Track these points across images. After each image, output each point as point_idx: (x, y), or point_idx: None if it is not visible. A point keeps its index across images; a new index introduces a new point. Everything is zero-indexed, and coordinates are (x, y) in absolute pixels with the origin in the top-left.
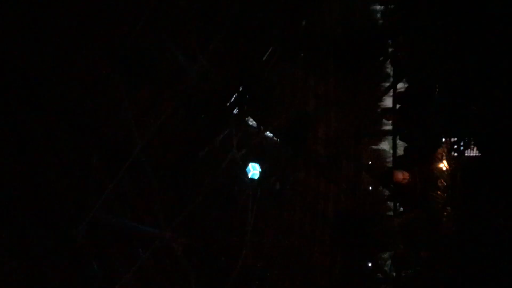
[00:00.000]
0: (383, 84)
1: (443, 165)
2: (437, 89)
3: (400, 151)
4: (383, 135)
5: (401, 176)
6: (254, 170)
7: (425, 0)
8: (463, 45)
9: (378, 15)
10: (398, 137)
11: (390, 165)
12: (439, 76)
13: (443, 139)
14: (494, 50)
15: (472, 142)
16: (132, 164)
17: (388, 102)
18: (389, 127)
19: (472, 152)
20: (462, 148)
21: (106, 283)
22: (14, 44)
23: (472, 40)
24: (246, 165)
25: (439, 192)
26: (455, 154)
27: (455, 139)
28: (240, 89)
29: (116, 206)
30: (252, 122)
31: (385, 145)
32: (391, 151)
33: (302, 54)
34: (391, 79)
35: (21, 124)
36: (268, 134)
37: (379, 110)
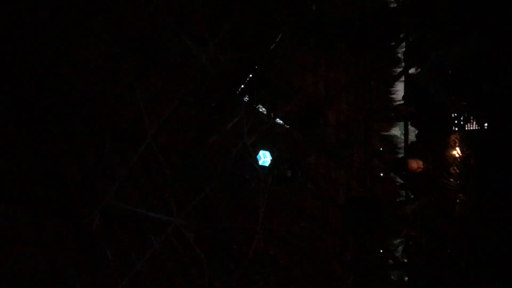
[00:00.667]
0: (394, 69)
1: (456, 152)
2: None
3: (412, 137)
4: (394, 120)
5: (416, 165)
6: (264, 157)
7: None
8: (476, 27)
9: None
10: (409, 123)
11: (401, 151)
12: (452, 59)
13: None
14: (508, 30)
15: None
16: (144, 151)
17: (399, 87)
18: None
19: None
20: (462, 123)
21: (119, 270)
22: (24, 31)
23: (484, 21)
24: (257, 152)
25: (452, 180)
26: (456, 129)
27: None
28: (250, 75)
29: (129, 193)
30: (262, 109)
31: (396, 131)
32: (403, 137)
33: (312, 39)
34: (403, 64)
35: (33, 112)
36: (279, 120)
37: (390, 95)
